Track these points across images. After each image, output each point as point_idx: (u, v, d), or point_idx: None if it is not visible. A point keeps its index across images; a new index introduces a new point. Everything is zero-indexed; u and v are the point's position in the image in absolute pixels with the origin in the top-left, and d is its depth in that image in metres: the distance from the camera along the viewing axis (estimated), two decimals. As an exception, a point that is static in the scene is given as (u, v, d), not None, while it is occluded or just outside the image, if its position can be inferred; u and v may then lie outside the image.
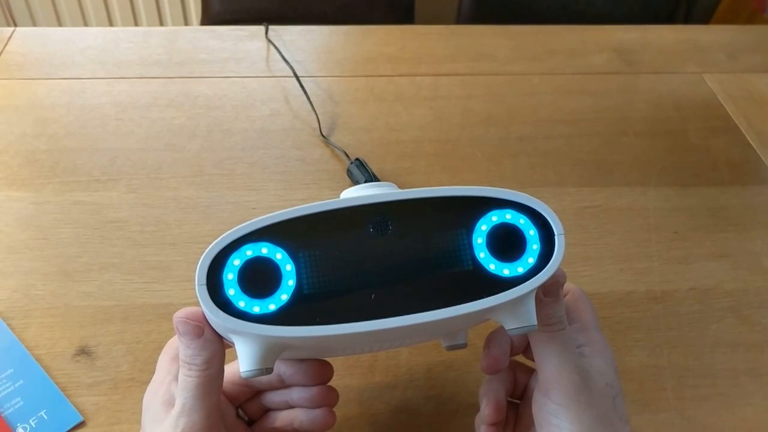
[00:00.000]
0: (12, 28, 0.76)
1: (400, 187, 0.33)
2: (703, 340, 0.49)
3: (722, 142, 0.66)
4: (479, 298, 0.29)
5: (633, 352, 0.48)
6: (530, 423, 0.36)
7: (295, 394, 0.37)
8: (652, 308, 0.51)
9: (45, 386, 0.44)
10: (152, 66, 0.72)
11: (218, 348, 0.32)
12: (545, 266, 0.31)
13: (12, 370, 0.45)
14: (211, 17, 1.25)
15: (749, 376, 0.47)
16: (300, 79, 0.69)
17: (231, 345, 0.32)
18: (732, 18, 1.31)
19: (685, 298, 0.51)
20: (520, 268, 0.31)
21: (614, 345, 0.36)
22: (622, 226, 0.57)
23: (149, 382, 0.36)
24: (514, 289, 0.30)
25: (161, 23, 1.56)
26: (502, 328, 0.35)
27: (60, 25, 1.55)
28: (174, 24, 1.56)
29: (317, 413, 0.36)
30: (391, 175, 0.61)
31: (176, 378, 0.33)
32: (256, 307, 0.29)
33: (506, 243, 0.31)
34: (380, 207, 0.30)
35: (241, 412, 0.38)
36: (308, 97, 0.67)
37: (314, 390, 0.36)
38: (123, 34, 0.76)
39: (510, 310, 0.30)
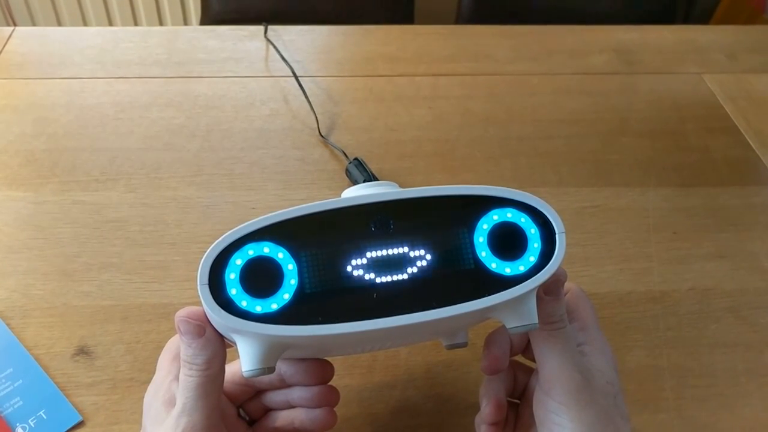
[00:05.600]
0: (11, 28, 0.76)
1: (400, 187, 0.33)
2: (703, 340, 0.49)
3: (721, 142, 0.66)
4: (481, 297, 0.30)
5: (632, 352, 0.48)
6: (530, 422, 0.36)
7: (296, 393, 0.37)
8: (652, 308, 0.51)
9: (44, 386, 0.44)
10: (152, 66, 0.71)
11: (219, 348, 0.32)
12: (546, 265, 0.31)
13: (11, 369, 0.45)
14: (210, 17, 1.25)
15: (748, 376, 0.47)
16: (299, 79, 0.69)
17: (231, 344, 0.32)
18: (731, 18, 1.31)
19: (685, 299, 0.51)
20: (521, 267, 0.31)
21: (613, 345, 0.36)
22: (622, 226, 0.57)
23: (148, 381, 0.36)
24: (516, 287, 0.30)
25: (161, 23, 1.56)
26: (501, 328, 0.36)
27: (59, 24, 1.55)
28: (173, 24, 1.56)
29: (318, 413, 0.36)
30: (391, 175, 0.61)
31: (177, 377, 0.33)
32: (258, 307, 0.29)
33: (507, 242, 0.31)
34: (382, 206, 0.30)
35: (242, 411, 0.38)
36: (307, 97, 0.67)
37: (315, 389, 0.36)
38: (122, 34, 0.76)
39: (511, 308, 0.30)
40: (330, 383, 0.37)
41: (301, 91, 0.68)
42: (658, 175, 0.62)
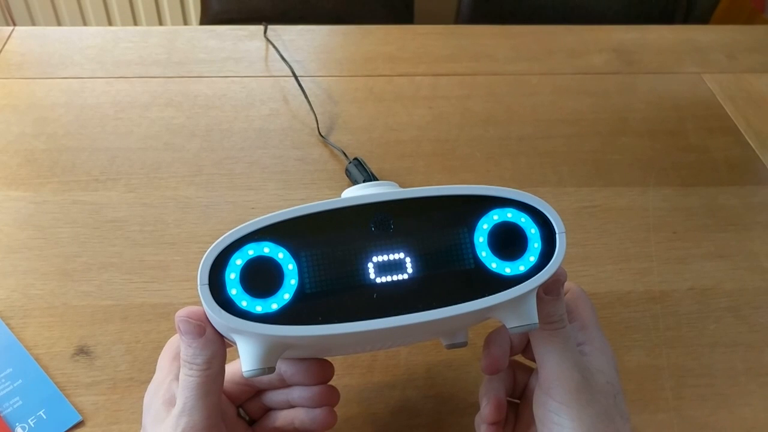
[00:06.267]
0: (11, 28, 0.76)
1: (400, 186, 0.33)
2: (702, 340, 0.49)
3: (721, 142, 0.66)
4: (481, 297, 0.30)
5: (632, 351, 0.48)
6: (530, 422, 0.36)
7: (296, 393, 0.37)
8: (651, 308, 0.51)
9: (44, 386, 0.44)
10: (151, 65, 0.71)
11: (219, 347, 0.32)
12: (546, 265, 0.31)
13: (11, 369, 0.45)
14: (210, 17, 1.25)
15: (748, 376, 0.47)
16: (299, 78, 0.69)
17: (232, 344, 0.32)
18: (731, 18, 1.31)
19: (684, 298, 0.52)
20: (521, 267, 0.31)
21: (613, 345, 0.36)
22: (621, 226, 0.57)
23: (148, 381, 0.36)
24: (516, 287, 0.30)
25: (160, 23, 1.56)
26: (501, 328, 0.36)
27: (59, 24, 1.55)
28: (173, 23, 1.56)
29: (318, 412, 0.36)
30: (390, 174, 0.61)
31: (177, 377, 0.33)
32: (259, 307, 0.29)
33: (507, 241, 0.31)
34: (382, 206, 0.30)
35: (242, 411, 0.38)
36: (307, 97, 0.67)
37: (315, 389, 0.36)
38: (122, 34, 0.76)
39: (511, 308, 0.30)
40: (330, 383, 0.37)
41: (300, 91, 0.68)
42: (657, 175, 0.62)
